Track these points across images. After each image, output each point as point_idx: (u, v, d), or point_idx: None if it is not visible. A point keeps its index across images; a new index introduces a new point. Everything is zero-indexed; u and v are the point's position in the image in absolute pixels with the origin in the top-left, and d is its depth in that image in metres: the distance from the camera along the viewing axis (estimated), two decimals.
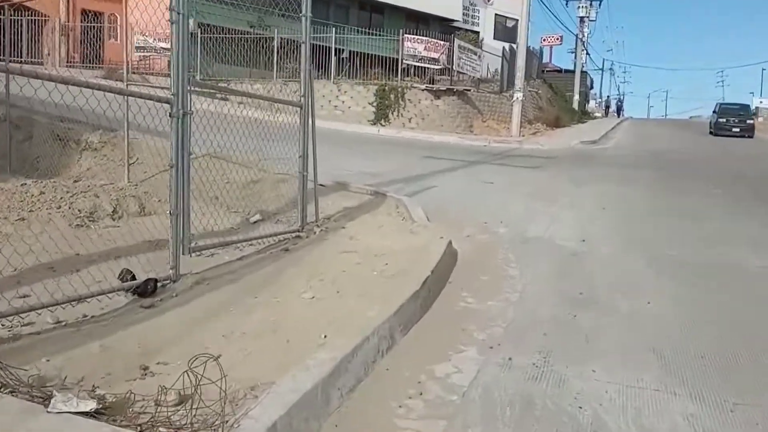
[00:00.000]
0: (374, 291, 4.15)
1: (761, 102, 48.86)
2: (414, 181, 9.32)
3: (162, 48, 17.70)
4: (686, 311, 4.47)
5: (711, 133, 26.64)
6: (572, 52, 42.75)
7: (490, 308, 4.44)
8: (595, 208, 8.15)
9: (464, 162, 12.29)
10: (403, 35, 19.07)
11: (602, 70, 61.60)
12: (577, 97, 36.75)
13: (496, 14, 31.55)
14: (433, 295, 4.58)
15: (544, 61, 52.70)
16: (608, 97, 48.39)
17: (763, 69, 63.68)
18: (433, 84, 19.80)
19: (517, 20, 33.31)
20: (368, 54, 20.41)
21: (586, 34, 42.23)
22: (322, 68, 19.46)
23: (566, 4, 38.97)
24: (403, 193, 8.15)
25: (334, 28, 19.72)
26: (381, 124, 18.67)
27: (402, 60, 19.17)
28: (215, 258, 4.97)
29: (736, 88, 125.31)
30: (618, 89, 75.02)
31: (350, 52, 21.97)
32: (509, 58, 24.35)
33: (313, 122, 6.05)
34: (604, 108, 45.73)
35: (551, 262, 5.62)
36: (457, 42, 19.83)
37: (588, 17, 39.32)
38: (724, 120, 26.59)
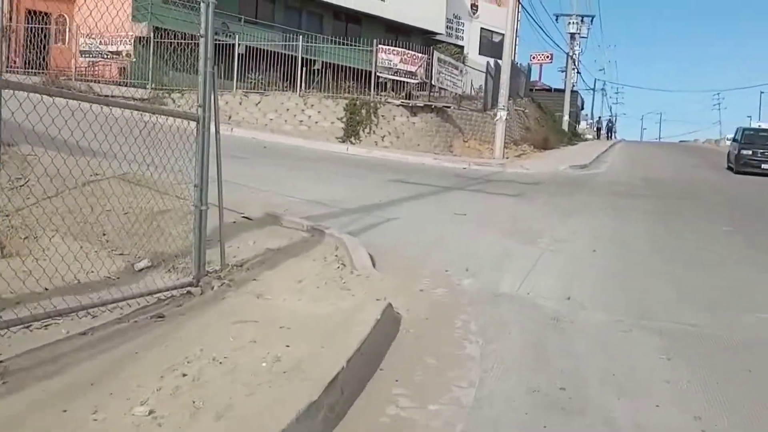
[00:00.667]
0: (249, 404, 2.71)
1: (760, 125, 48.29)
2: (373, 211, 7.92)
3: (110, 52, 16.30)
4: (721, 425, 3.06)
5: (730, 169, 19.53)
6: (563, 71, 41.72)
7: (431, 420, 3.02)
8: (585, 250, 6.78)
9: (437, 188, 10.92)
10: (377, 45, 17.79)
11: (594, 90, 60.95)
12: (566, 117, 35.64)
13: (482, 28, 30.47)
14: (350, 396, 3.15)
15: (533, 79, 51.75)
16: (599, 117, 46.85)
17: (761, 92, 63.07)
18: (410, 99, 18.51)
19: (504, 35, 32.42)
20: (342, 66, 19.11)
21: (577, 52, 41.32)
22: (288, 79, 18.10)
23: (556, 20, 37.91)
24: (354, 227, 6.74)
25: (301, 37, 18.39)
26: (351, 141, 17.30)
27: (375, 72, 17.86)
28: (50, 331, 3.52)
29: (733, 111, 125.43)
30: (610, 110, 74.34)
31: (323, 63, 20.71)
32: (494, 74, 23.16)
33: (217, 140, 4.62)
34: (595, 129, 44.25)
35: (525, 333, 4.21)
36: (436, 55, 18.58)
37: (579, 34, 38.21)
38: (750, 152, 18.81)
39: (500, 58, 28.30)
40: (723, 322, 4.67)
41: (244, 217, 5.86)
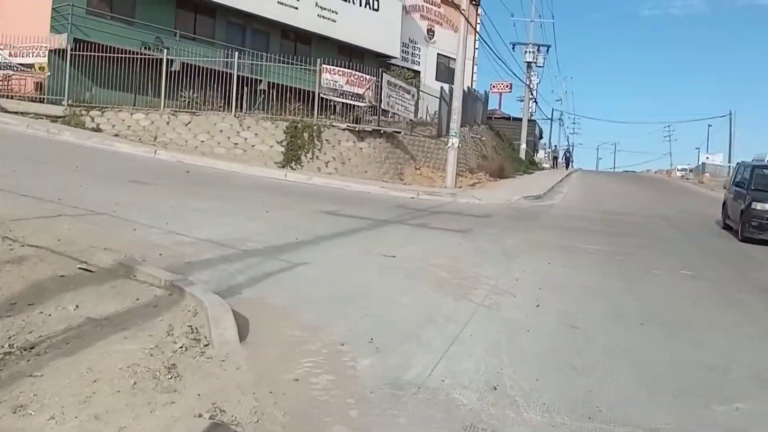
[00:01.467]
0: None
1: (707, 158, 48.85)
2: (281, 254, 6.60)
3: (21, 65, 14.72)
4: None
5: (728, 228, 12.84)
6: (522, 100, 41.45)
7: None
8: (526, 305, 5.59)
9: (372, 222, 9.69)
10: (320, 65, 16.63)
11: (551, 119, 61.35)
12: (524, 146, 35.11)
13: (438, 54, 29.67)
14: None
15: (492, 107, 51.65)
16: (556, 146, 46.49)
17: (709, 125, 64.47)
18: (357, 124, 17.36)
19: None
20: (290, 87, 17.86)
21: (534, 82, 41.19)
22: (224, 98, 16.77)
23: (513, 49, 37.56)
24: (244, 277, 5.42)
25: (237, 53, 17.10)
26: (291, 167, 16.00)
27: (318, 94, 16.68)
28: None
29: (684, 142, 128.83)
30: (567, 140, 74.97)
31: (270, 84, 19.47)
32: (448, 99, 22.30)
33: None
34: (552, 159, 43.74)
35: None
36: (385, 77, 17.54)
37: (535, 63, 37.96)
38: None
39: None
40: (696, 421, 3.50)
41: (82, 268, 4.48)
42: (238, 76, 16.95)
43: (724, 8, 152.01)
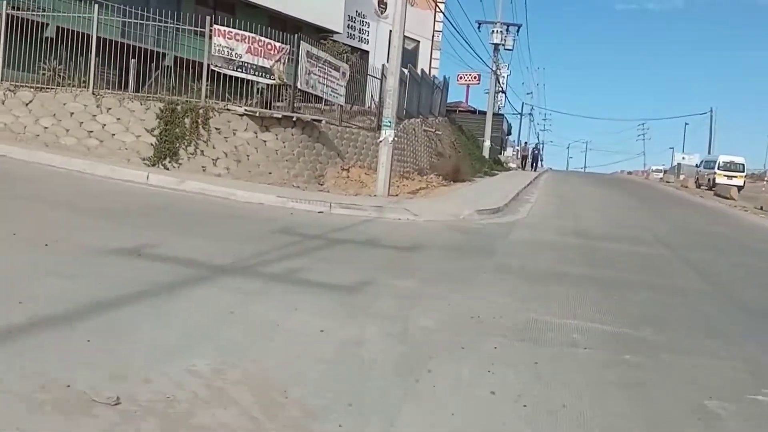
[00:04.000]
0: None
1: (684, 158, 45.93)
2: None
3: None
4: None
5: None
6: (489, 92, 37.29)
7: None
8: None
9: (190, 273, 5.50)
10: (210, 25, 12.34)
11: (521, 114, 58.00)
12: (488, 142, 31.15)
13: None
14: None
15: (458, 99, 47.66)
16: (526, 143, 41.14)
17: (686, 123, 61.82)
18: (267, 109, 13.15)
19: (419, 42, 27.64)
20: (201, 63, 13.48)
21: (504, 74, 37.34)
22: (78, 69, 12.36)
23: (478, 29, 33.26)
24: None
25: (96, 6, 12.64)
26: (164, 165, 11.73)
27: (208, 65, 12.41)
28: None
29: (657, 142, 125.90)
30: (537, 137, 71.48)
31: (176, 58, 15.12)
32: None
33: None
34: (520, 158, 38.52)
35: None
36: (304, 47, 13.38)
37: (503, 45, 33.68)
38: None
39: (416, 67, 23.58)
40: None
41: None
42: (102, 40, 12.52)
43: (700, 3, 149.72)
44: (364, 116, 17.57)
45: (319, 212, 10.32)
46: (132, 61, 12.87)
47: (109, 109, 11.95)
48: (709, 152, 45.73)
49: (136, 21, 13.39)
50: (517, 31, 34.43)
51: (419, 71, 22.92)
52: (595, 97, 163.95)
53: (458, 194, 15.06)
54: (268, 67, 12.94)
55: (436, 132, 22.71)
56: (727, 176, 29.69)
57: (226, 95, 13.09)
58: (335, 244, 7.64)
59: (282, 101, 14.33)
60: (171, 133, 11.87)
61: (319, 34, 21.48)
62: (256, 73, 12.84)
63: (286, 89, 14.08)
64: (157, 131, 11.85)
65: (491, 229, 10.55)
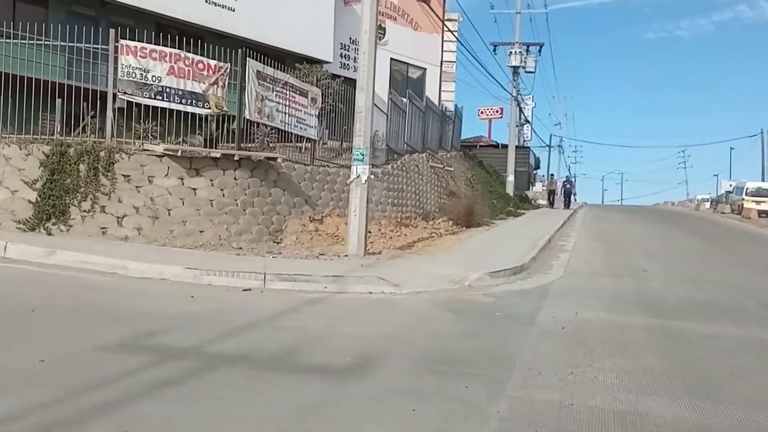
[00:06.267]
0: None
1: (731, 186, 41.16)
2: None
3: None
4: None
5: None
6: (515, 125, 33.37)
7: None
8: None
9: None
10: (115, 40, 9.19)
11: (549, 146, 54.29)
12: (511, 177, 27.31)
13: (392, 59, 22.10)
14: None
15: (479, 134, 44.03)
16: (552, 176, 35.80)
17: (731, 147, 56.98)
18: (211, 147, 9.88)
19: (425, 69, 24.39)
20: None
21: (525, 98, 33.65)
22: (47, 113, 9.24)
23: (494, 51, 29.63)
24: None
25: None
26: (46, 229, 8.44)
27: (115, 94, 9.20)
28: None
29: (699, 169, 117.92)
30: (568, 170, 66.92)
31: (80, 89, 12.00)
32: (388, 107, 14.97)
33: None
34: (547, 192, 32.64)
35: None
36: (253, 65, 10.14)
37: (524, 68, 29.84)
38: None
39: (420, 96, 20.35)
40: None
41: None
42: None
43: (732, 27, 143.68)
44: (350, 153, 14.20)
45: (245, 290, 6.83)
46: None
47: None
48: (762, 178, 41.42)
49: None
50: (539, 51, 30.88)
51: (424, 99, 19.61)
52: (628, 126, 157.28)
53: (468, 245, 11.37)
54: (200, 92, 9.69)
55: (447, 168, 19.20)
56: (756, 201, 29.81)
57: (151, 134, 9.83)
58: (202, 374, 4.07)
59: (254, 141, 11.10)
60: (58, 185, 8.60)
61: (309, 66, 18.35)
62: (183, 100, 9.57)
63: (257, 126, 10.84)
64: (39, 184, 8.61)
65: (509, 306, 6.85)
